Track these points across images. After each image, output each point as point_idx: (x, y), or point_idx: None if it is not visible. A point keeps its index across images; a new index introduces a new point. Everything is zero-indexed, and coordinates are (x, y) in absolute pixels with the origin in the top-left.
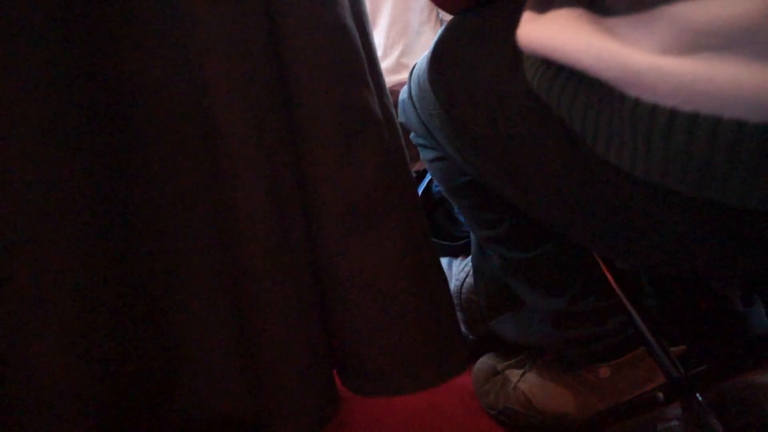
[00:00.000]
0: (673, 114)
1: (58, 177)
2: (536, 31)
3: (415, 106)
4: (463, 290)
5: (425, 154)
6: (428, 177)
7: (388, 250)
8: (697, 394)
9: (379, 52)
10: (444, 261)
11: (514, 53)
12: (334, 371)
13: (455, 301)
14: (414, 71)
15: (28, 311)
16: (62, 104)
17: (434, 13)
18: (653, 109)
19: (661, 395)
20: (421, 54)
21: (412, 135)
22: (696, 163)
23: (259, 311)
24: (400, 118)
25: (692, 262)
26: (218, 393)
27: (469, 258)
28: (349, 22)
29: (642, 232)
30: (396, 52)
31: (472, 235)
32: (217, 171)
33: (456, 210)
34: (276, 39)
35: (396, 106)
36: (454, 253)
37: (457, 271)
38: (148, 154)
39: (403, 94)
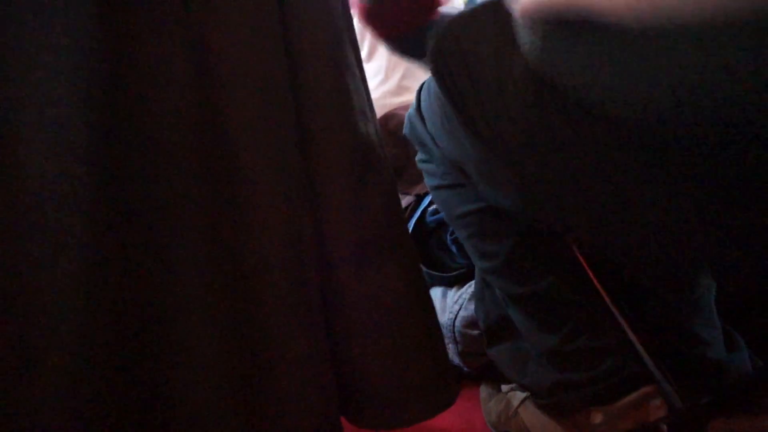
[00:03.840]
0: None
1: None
2: None
3: (422, 117)
4: (457, 323)
5: (429, 181)
6: (422, 206)
7: (396, 283)
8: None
9: (381, 75)
10: (438, 292)
11: (506, 33)
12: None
13: (448, 334)
14: (425, 83)
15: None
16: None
17: None
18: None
19: (665, 427)
20: (422, 77)
21: (417, 157)
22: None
23: (272, 355)
24: (405, 131)
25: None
26: None
27: (462, 290)
28: (353, 59)
29: (638, 209)
30: (397, 75)
31: None
32: (232, 204)
33: (449, 240)
34: (293, 77)
35: (401, 128)
36: (448, 284)
37: (451, 303)
38: (158, 188)
39: (411, 109)
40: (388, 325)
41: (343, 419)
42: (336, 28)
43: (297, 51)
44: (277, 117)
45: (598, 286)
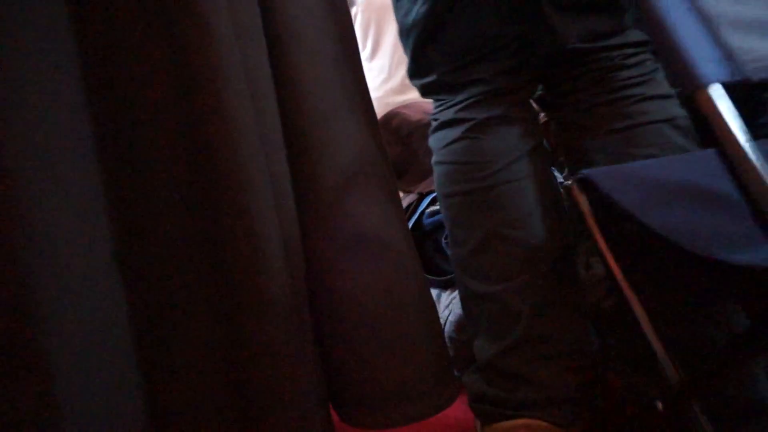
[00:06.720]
0: None
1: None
2: None
3: None
4: (446, 327)
5: (434, 156)
6: (420, 209)
7: (394, 278)
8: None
9: (384, 73)
10: (432, 294)
11: None
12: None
13: None
14: None
15: None
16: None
17: None
18: None
19: (659, 404)
20: None
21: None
22: None
23: (258, 352)
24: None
25: None
26: None
27: (454, 294)
28: (344, 54)
29: None
30: (401, 73)
31: None
32: (220, 209)
33: (444, 243)
34: (282, 71)
35: (403, 127)
36: (443, 286)
37: (443, 307)
38: (149, 197)
39: None
40: (381, 325)
41: (336, 420)
42: (319, 20)
43: (281, 51)
44: (263, 117)
45: None
